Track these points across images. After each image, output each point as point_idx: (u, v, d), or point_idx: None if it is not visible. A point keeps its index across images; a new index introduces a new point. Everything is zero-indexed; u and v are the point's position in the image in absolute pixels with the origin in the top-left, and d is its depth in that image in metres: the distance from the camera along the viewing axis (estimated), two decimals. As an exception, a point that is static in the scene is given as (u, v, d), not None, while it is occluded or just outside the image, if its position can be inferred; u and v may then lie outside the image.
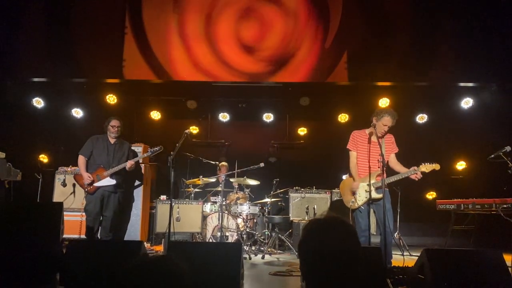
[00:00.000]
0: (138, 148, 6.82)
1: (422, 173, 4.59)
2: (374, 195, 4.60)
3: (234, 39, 7.41)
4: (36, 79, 7.67)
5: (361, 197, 4.69)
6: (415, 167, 4.61)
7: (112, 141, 5.77)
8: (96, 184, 5.49)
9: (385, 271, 3.83)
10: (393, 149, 4.95)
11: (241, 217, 6.65)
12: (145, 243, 4.81)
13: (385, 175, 4.43)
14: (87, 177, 5.47)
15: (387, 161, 4.76)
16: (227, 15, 7.41)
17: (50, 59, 7.30)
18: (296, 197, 7.26)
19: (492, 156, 5.07)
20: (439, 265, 3.49)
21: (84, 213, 5.67)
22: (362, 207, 4.69)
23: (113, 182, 5.55)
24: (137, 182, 6.79)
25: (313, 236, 1.49)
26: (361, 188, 4.72)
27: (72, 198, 6.66)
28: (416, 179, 4.63)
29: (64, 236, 5.04)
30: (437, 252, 3.78)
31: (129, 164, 5.62)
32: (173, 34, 7.42)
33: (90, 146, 5.68)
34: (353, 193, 4.73)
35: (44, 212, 4.55)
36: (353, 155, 4.91)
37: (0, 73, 7.33)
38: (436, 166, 4.62)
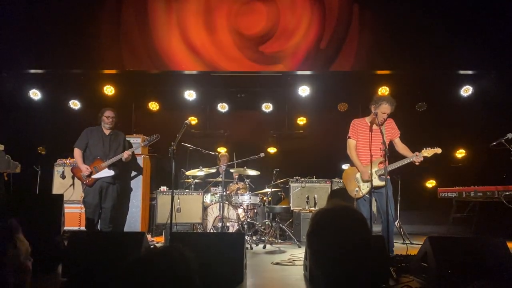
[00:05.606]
0: (136, 140, 6.75)
1: (424, 157, 4.58)
2: (377, 182, 4.59)
3: (233, 29, 7.33)
4: (32, 71, 7.58)
5: (365, 186, 4.67)
6: (417, 153, 4.60)
7: (107, 132, 5.70)
8: (94, 176, 5.44)
9: (388, 259, 3.83)
10: (394, 134, 4.87)
11: (241, 207, 6.64)
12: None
13: (387, 163, 4.41)
14: (85, 169, 5.41)
15: (395, 147, 4.82)
16: (227, 4, 7.33)
17: (46, 50, 7.20)
18: (296, 187, 7.25)
19: (494, 143, 5.07)
20: (442, 253, 3.49)
21: (83, 205, 5.62)
22: (367, 196, 4.68)
23: (111, 173, 5.50)
24: (134, 173, 6.75)
25: (324, 226, 1.46)
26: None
27: (72, 190, 6.63)
28: (417, 163, 4.62)
29: (65, 228, 5.02)
30: (441, 240, 3.79)
31: (125, 154, 5.56)
32: (172, 23, 7.33)
33: (85, 138, 5.60)
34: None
35: (45, 204, 4.55)
36: (352, 143, 4.86)
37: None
38: (438, 150, 4.60)
